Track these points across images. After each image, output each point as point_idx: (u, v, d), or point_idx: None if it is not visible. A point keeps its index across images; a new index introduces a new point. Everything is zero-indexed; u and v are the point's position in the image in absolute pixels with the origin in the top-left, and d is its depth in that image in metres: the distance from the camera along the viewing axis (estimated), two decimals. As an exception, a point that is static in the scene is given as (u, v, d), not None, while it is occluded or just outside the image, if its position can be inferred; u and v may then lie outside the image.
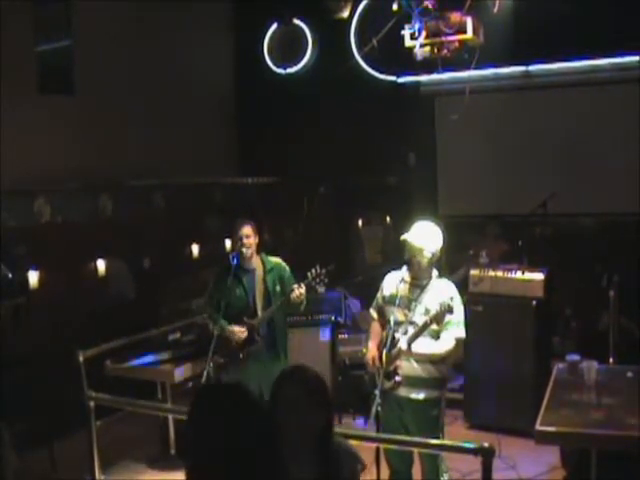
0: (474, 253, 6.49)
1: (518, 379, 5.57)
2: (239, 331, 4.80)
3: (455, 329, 4.00)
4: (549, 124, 6.99)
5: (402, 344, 3.95)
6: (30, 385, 5.21)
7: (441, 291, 4.05)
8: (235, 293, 4.88)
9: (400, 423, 4.07)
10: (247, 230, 4.81)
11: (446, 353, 4.02)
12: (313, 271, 4.76)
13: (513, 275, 5.79)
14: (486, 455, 3.13)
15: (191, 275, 7.13)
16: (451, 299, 3.90)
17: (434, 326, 3.94)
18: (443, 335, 4.00)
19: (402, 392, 4.04)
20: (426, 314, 3.97)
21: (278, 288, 4.91)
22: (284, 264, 5.03)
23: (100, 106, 6.68)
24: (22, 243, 5.81)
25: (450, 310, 3.88)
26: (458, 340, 4.03)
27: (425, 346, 3.98)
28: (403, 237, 4.09)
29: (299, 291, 4.70)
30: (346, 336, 6.34)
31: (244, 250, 4.80)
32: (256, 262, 4.94)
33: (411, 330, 3.98)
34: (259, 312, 4.87)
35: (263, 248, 5.19)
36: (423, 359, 4.03)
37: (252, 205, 7.83)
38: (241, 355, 4.85)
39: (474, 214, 7.29)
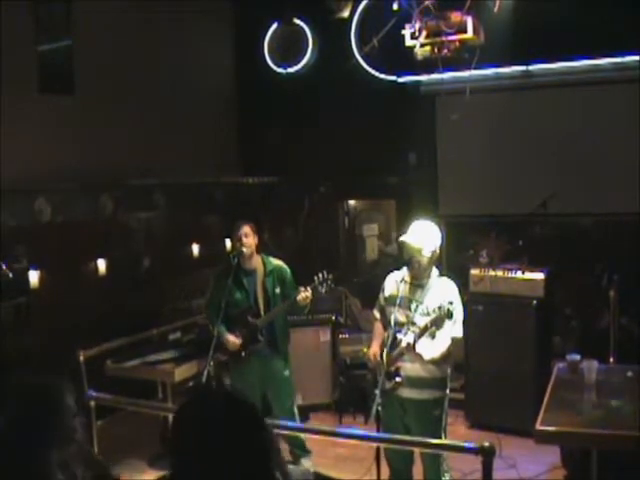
0: (474, 253, 6.49)
1: (518, 379, 5.58)
2: (232, 342, 4.88)
3: (451, 329, 3.99)
4: (549, 124, 6.98)
5: (405, 346, 3.94)
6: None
7: (442, 291, 4.05)
8: (236, 294, 4.92)
9: (401, 424, 4.07)
10: (246, 230, 4.86)
11: (441, 355, 4.02)
12: (320, 275, 4.79)
13: (513, 275, 5.80)
14: (487, 455, 3.14)
15: (191, 275, 7.14)
16: (450, 303, 3.90)
17: (432, 329, 3.95)
18: (439, 334, 3.99)
19: (404, 393, 4.04)
20: (427, 314, 3.97)
21: (278, 290, 4.94)
22: (285, 266, 5.06)
23: (100, 106, 6.67)
24: (22, 243, 5.81)
25: (450, 316, 3.88)
26: (454, 339, 4.03)
27: (423, 349, 3.98)
28: (401, 239, 4.09)
29: (305, 294, 4.73)
30: (347, 336, 6.35)
31: (244, 250, 4.83)
32: (257, 263, 4.98)
33: (411, 330, 3.98)
34: (262, 311, 4.91)
35: (263, 248, 5.21)
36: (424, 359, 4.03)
37: (252, 205, 7.84)
38: (242, 354, 4.88)
39: (474, 214, 7.29)
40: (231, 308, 4.90)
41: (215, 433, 1.66)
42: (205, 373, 4.64)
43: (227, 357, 5.00)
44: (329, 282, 4.80)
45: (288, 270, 5.04)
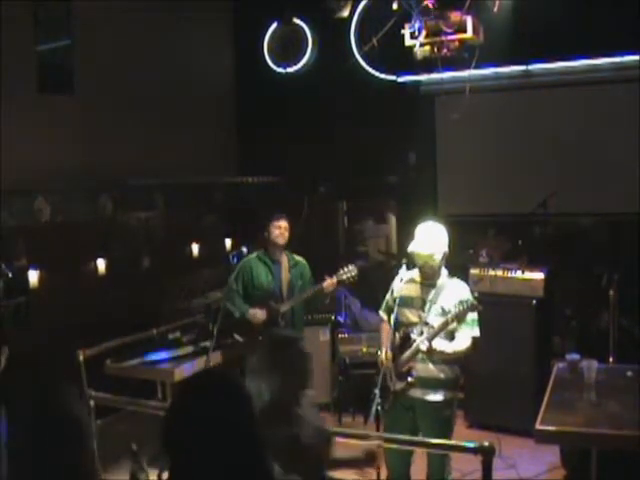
0: (474, 252, 6.49)
1: (518, 379, 5.57)
2: (260, 314, 5.13)
3: (470, 328, 3.99)
4: (549, 123, 6.98)
5: (422, 345, 3.93)
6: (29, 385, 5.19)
7: (456, 291, 4.05)
8: (262, 277, 5.22)
9: (409, 425, 4.03)
10: (284, 223, 5.20)
11: (462, 353, 4.02)
12: (345, 268, 5.13)
13: (513, 274, 5.79)
14: (486, 454, 3.13)
15: (191, 275, 7.14)
16: (475, 298, 3.91)
17: (453, 324, 3.93)
18: (459, 335, 3.99)
19: (417, 393, 4.02)
20: (442, 314, 3.96)
21: (300, 282, 5.27)
22: (305, 263, 5.39)
23: (100, 106, 6.67)
24: (22, 243, 5.81)
25: (473, 308, 3.88)
26: (474, 339, 4.03)
27: (443, 345, 3.97)
28: (410, 249, 4.08)
29: (331, 281, 5.08)
30: (346, 335, 6.35)
31: (279, 240, 5.18)
32: (282, 256, 5.30)
33: (426, 330, 3.97)
34: (285, 299, 5.20)
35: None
36: (438, 360, 4.01)
37: (252, 205, 7.84)
38: (260, 337, 5.04)
39: (474, 213, 7.29)
40: (255, 290, 5.20)
41: (210, 420, 1.65)
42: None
43: (244, 339, 5.20)
44: (354, 274, 5.12)
45: (308, 267, 5.37)
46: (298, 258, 5.39)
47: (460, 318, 3.91)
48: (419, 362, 4.01)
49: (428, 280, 4.10)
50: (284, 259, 5.32)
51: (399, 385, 4.00)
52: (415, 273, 4.17)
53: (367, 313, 6.49)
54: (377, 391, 3.86)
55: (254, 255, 5.25)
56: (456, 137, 7.32)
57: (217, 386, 1.75)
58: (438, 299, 4.04)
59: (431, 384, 4.02)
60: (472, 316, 3.99)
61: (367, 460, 3.33)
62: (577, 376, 4.32)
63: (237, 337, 5.25)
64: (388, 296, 4.32)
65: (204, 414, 1.67)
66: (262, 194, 8.13)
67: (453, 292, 4.05)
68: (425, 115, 7.49)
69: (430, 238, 4.05)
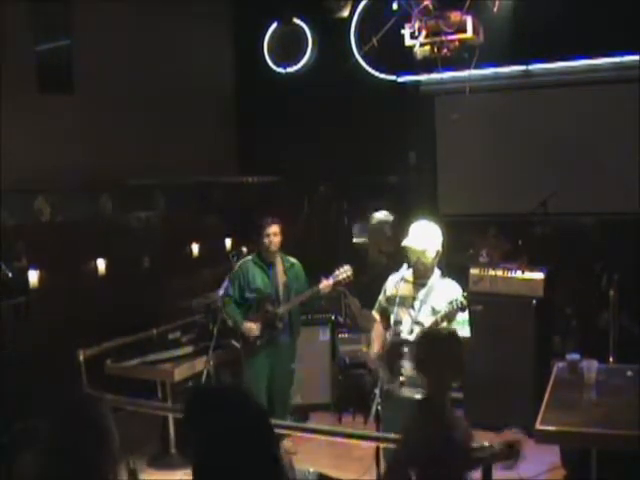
0: (474, 252, 6.49)
1: (518, 379, 5.57)
2: (252, 328, 5.10)
3: (461, 328, 3.99)
4: (549, 123, 6.98)
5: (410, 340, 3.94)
6: (30, 385, 5.20)
7: (448, 290, 4.06)
8: (258, 280, 5.19)
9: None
10: (275, 229, 5.17)
11: None
12: (341, 269, 5.12)
13: (513, 274, 5.79)
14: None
15: (191, 275, 7.14)
16: (464, 297, 3.92)
17: (443, 324, 3.94)
18: None
19: (407, 393, 4.02)
20: (433, 314, 3.97)
21: (296, 285, 5.26)
22: (300, 264, 5.38)
23: (100, 106, 6.68)
24: (22, 243, 5.81)
25: (462, 308, 3.89)
26: (465, 339, 4.03)
27: None
28: (404, 243, 4.11)
29: (327, 282, 5.08)
30: (346, 335, 6.35)
31: (271, 247, 5.15)
32: (277, 259, 5.28)
33: (417, 330, 3.98)
34: (281, 301, 5.19)
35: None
36: None
37: (252, 205, 7.84)
38: (258, 342, 5.12)
39: (474, 213, 7.29)
40: (251, 293, 5.17)
41: (230, 421, 1.66)
42: (205, 373, 4.66)
43: (241, 344, 5.20)
44: (349, 274, 5.11)
45: (302, 268, 5.37)
46: (293, 260, 5.37)
47: (450, 318, 3.92)
48: (409, 361, 4.01)
49: (420, 279, 4.12)
50: (279, 262, 5.30)
51: (391, 385, 4.01)
52: (409, 273, 4.18)
53: (367, 313, 6.49)
54: (377, 391, 3.86)
55: (249, 258, 5.23)
56: (456, 137, 7.31)
57: (221, 397, 1.77)
58: (429, 299, 4.06)
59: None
60: (463, 316, 3.99)
61: (509, 453, 3.23)
62: (577, 376, 4.31)
63: (234, 343, 5.25)
64: (381, 296, 4.34)
65: (213, 425, 1.69)
66: (262, 194, 8.13)
67: (444, 292, 4.06)
68: (425, 115, 7.50)
69: (424, 234, 4.08)
